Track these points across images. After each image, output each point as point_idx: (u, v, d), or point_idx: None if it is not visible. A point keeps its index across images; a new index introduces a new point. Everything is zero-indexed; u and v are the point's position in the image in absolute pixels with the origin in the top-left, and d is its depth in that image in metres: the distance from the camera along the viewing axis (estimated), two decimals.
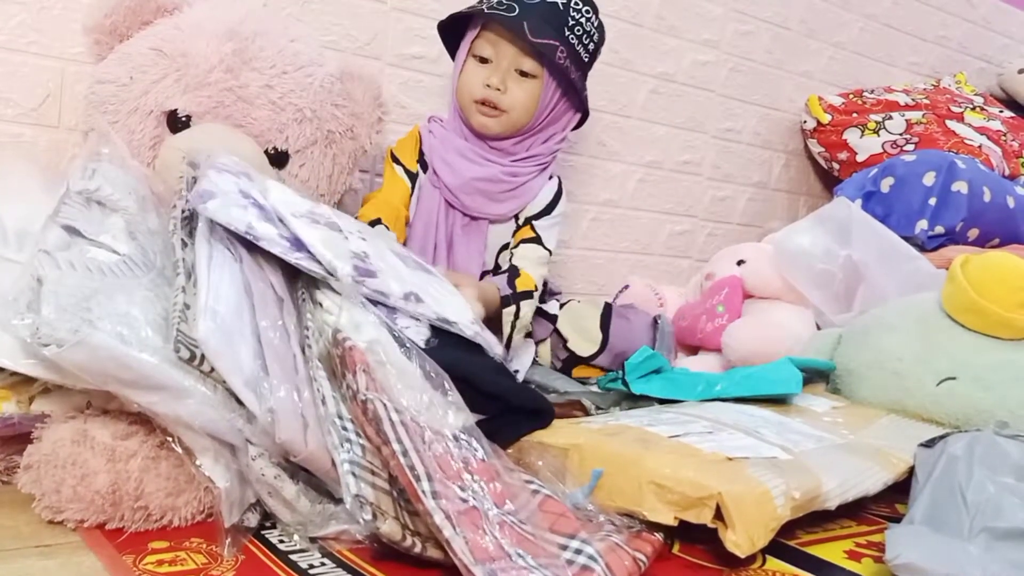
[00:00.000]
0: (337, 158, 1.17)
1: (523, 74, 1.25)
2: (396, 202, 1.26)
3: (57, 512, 0.76)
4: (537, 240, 1.31)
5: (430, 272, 1.04)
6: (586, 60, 1.29)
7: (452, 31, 1.30)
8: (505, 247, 1.33)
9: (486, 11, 1.21)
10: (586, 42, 1.27)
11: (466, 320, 0.98)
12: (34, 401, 0.81)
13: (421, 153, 1.30)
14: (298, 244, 0.87)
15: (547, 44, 1.21)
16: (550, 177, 1.34)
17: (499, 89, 1.24)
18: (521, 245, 1.31)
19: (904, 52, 2.34)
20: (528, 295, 1.27)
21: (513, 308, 1.24)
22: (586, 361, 1.38)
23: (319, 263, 0.86)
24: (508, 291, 1.25)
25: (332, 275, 0.86)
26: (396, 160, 1.30)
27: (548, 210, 1.33)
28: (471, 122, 1.28)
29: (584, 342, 1.38)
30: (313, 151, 1.14)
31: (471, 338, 0.96)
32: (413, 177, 1.29)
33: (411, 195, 1.28)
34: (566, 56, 1.23)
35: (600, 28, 1.30)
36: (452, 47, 1.32)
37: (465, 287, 1.10)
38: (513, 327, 1.25)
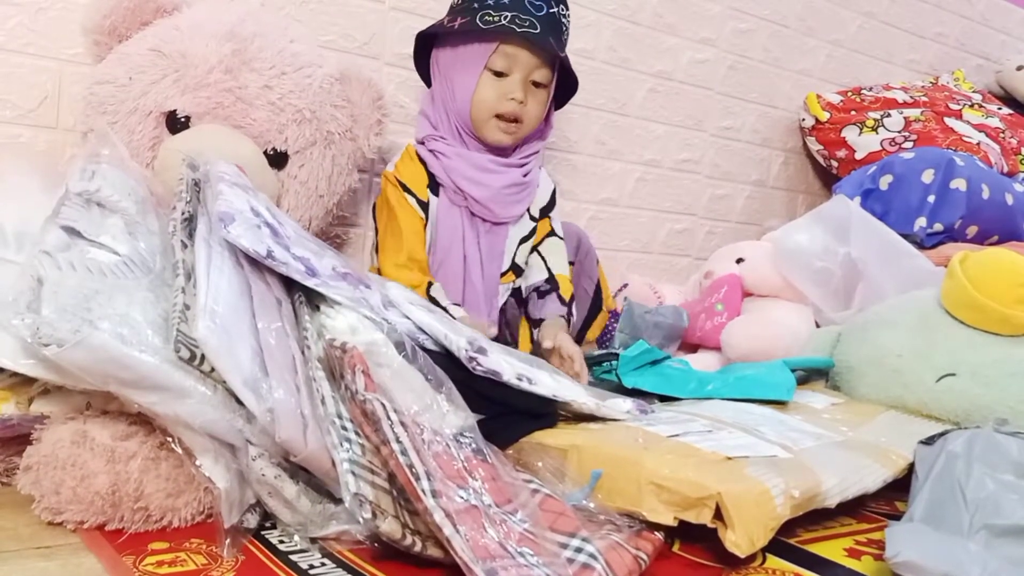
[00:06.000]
0: (336, 159, 1.17)
1: (535, 84, 1.28)
2: (419, 248, 1.27)
3: (57, 513, 0.76)
4: (554, 232, 1.39)
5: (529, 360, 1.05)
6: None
7: (423, 44, 1.32)
8: (521, 241, 1.35)
9: (517, 30, 1.21)
10: (567, 41, 1.31)
11: (584, 397, 0.99)
12: (33, 402, 0.81)
13: (430, 176, 1.29)
14: (317, 274, 0.90)
15: (565, 56, 1.26)
16: (539, 167, 1.39)
17: (522, 103, 1.27)
18: (545, 241, 1.38)
19: (902, 49, 2.34)
20: (574, 297, 1.36)
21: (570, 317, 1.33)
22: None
23: (427, 335, 0.95)
24: (565, 309, 1.33)
25: (447, 348, 0.94)
26: (407, 189, 1.28)
27: (553, 200, 1.40)
28: (486, 136, 1.29)
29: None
30: (312, 152, 1.14)
31: (593, 410, 0.99)
32: (425, 207, 1.29)
33: (426, 225, 1.29)
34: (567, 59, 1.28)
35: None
36: (422, 62, 1.34)
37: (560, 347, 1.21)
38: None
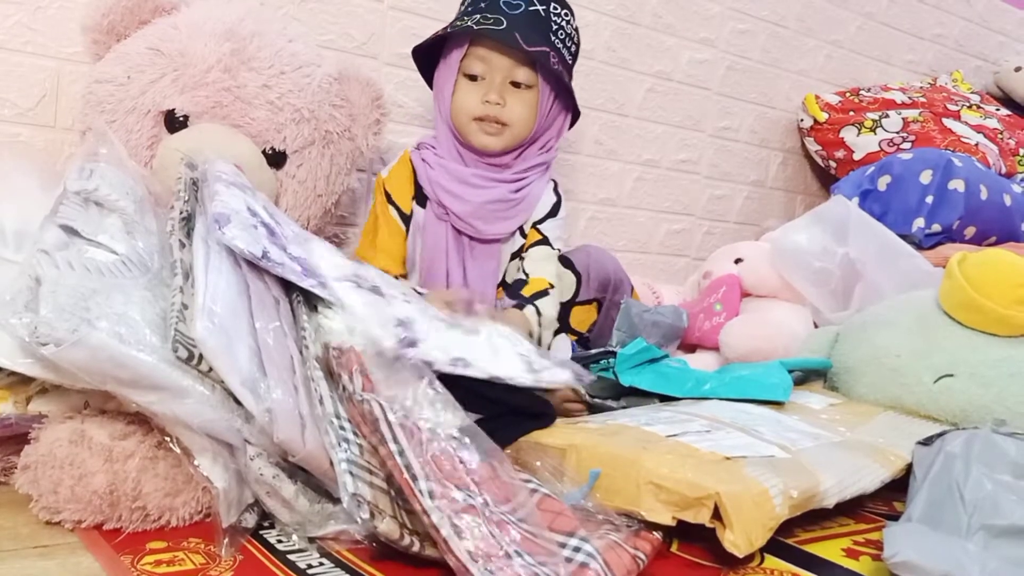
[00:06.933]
0: (335, 159, 1.17)
1: (517, 85, 1.25)
2: (396, 249, 1.27)
3: (55, 512, 0.76)
4: (544, 241, 1.32)
5: (471, 330, 0.99)
6: (571, 62, 1.30)
7: (426, 55, 1.30)
8: (514, 257, 1.33)
9: (475, 28, 1.20)
10: (569, 44, 1.28)
11: (519, 372, 0.93)
12: (31, 401, 0.81)
13: (418, 187, 1.29)
14: (313, 275, 0.88)
15: (541, 52, 1.21)
16: (547, 181, 1.35)
17: (499, 104, 1.24)
18: (530, 249, 1.31)
19: (901, 50, 2.34)
20: (543, 293, 1.25)
21: (531, 307, 1.22)
22: (576, 303, 1.34)
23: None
24: (515, 300, 1.24)
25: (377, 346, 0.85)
26: (390, 199, 1.28)
27: (553, 212, 1.34)
28: (472, 142, 1.27)
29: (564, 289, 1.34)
30: (311, 151, 1.14)
31: (531, 386, 0.93)
32: (407, 219, 1.28)
33: (406, 237, 1.28)
34: (558, 61, 1.24)
35: (577, 29, 1.31)
36: (425, 70, 1.32)
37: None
38: (540, 326, 1.23)
